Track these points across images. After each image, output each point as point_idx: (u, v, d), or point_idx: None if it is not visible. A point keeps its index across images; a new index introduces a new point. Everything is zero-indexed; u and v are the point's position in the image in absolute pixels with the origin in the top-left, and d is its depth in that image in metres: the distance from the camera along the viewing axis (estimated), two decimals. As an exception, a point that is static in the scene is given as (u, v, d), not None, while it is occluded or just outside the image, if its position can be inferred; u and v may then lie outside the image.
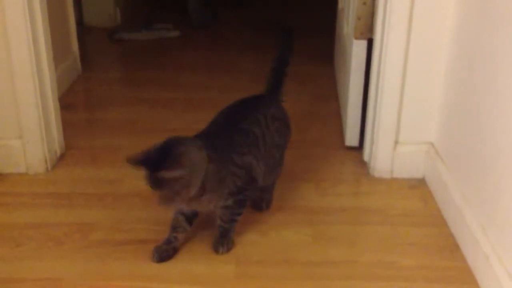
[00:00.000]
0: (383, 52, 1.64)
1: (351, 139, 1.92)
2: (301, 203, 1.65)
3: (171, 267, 1.38)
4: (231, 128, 1.45)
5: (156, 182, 1.26)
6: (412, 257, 1.42)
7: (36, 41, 1.67)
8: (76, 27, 2.57)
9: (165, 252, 1.41)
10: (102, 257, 1.42)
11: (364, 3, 1.73)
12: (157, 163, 1.26)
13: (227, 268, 1.38)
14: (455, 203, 1.49)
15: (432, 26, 1.60)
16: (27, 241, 1.47)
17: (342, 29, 2.21)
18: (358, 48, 1.80)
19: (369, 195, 1.72)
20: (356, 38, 1.78)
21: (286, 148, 1.60)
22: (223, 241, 1.44)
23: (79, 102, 2.41)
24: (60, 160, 1.85)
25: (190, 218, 1.43)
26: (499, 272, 1.23)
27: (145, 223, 1.55)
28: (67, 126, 1.92)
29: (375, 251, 1.45)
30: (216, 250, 1.44)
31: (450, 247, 1.46)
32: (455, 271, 1.38)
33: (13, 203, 1.64)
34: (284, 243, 1.48)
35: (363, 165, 1.83)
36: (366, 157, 1.82)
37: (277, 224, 1.55)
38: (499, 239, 1.27)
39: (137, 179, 1.74)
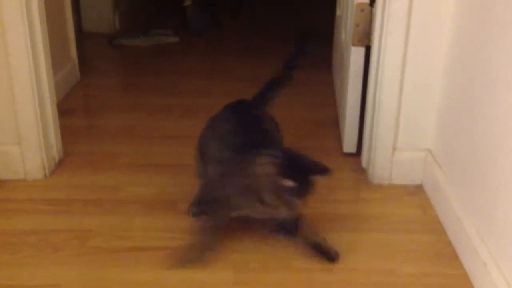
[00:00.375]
0: (381, 59, 1.64)
1: (349, 145, 1.92)
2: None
3: (169, 274, 1.38)
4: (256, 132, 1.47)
5: (307, 188, 1.29)
6: (410, 265, 1.42)
7: (34, 47, 1.67)
8: (75, 33, 2.57)
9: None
10: (101, 263, 1.41)
11: (362, 10, 1.74)
12: (303, 171, 1.29)
13: (225, 274, 1.38)
14: (453, 210, 1.50)
15: (429, 33, 1.60)
16: (25, 247, 1.47)
17: (340, 35, 2.22)
18: (356, 55, 1.81)
19: (367, 202, 1.72)
20: (354, 45, 1.79)
21: None
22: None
23: (77, 108, 2.41)
24: (59, 166, 1.85)
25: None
26: (497, 280, 1.23)
27: (144, 230, 1.55)
28: (66, 132, 1.92)
29: (373, 258, 1.45)
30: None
31: (449, 255, 1.46)
32: (454, 279, 1.38)
33: (12, 209, 1.64)
34: (282, 249, 1.47)
35: (362, 171, 1.83)
36: (364, 163, 1.82)
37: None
38: (497, 246, 1.27)
39: (136, 185, 1.76)
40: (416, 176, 1.75)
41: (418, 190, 1.74)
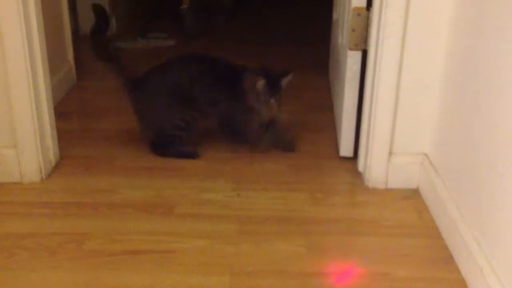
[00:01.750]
0: (377, 63, 1.65)
1: (345, 149, 1.93)
2: (296, 213, 1.65)
3: (164, 278, 1.38)
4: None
5: (277, 89, 1.85)
6: (406, 269, 1.42)
7: (31, 49, 1.67)
8: (71, 36, 2.57)
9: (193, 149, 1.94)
10: (96, 267, 1.41)
11: (359, 15, 1.74)
12: (273, 74, 1.85)
13: (221, 279, 1.38)
14: (449, 214, 1.50)
15: (426, 38, 1.61)
16: (20, 251, 1.47)
17: (337, 40, 2.23)
18: (352, 59, 1.81)
19: (363, 206, 1.72)
20: (351, 49, 1.79)
21: None
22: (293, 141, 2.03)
23: (74, 111, 2.40)
24: (55, 169, 1.85)
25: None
26: (493, 284, 1.23)
27: (140, 233, 1.55)
28: (62, 136, 1.91)
29: (369, 262, 1.45)
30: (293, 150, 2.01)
31: (445, 259, 1.46)
32: (450, 283, 1.38)
33: (7, 212, 1.63)
34: (278, 254, 1.47)
35: (358, 175, 1.83)
36: (360, 167, 1.82)
37: (271, 234, 1.55)
38: (493, 251, 1.27)
39: (132, 189, 1.75)
40: (413, 180, 1.76)
41: (414, 194, 1.74)
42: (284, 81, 1.86)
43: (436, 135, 1.68)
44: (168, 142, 1.90)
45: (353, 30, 1.76)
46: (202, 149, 1.97)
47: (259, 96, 1.83)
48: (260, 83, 1.80)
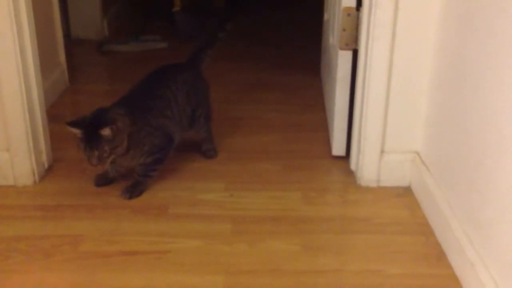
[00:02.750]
0: (368, 62, 1.66)
1: (338, 148, 1.94)
2: (289, 212, 1.66)
3: (160, 278, 1.39)
4: (146, 94, 1.74)
5: (95, 141, 1.55)
6: (399, 265, 1.44)
7: (23, 53, 1.67)
8: (63, 39, 2.57)
9: (103, 180, 1.76)
10: (91, 268, 1.42)
11: (349, 15, 1.76)
12: (94, 124, 1.55)
13: (216, 278, 1.39)
14: (441, 211, 1.51)
15: (415, 38, 1.62)
16: (15, 253, 1.47)
17: (328, 40, 2.24)
18: (343, 59, 1.82)
19: (356, 204, 1.74)
20: (341, 49, 1.81)
21: (206, 105, 1.91)
22: (130, 189, 1.70)
23: (67, 114, 2.40)
24: (48, 172, 1.85)
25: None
26: (484, 279, 1.25)
27: (134, 234, 1.55)
28: (55, 138, 1.91)
29: (362, 259, 1.46)
30: (121, 195, 1.70)
31: (437, 255, 1.47)
32: (442, 279, 1.39)
33: (1, 215, 1.63)
34: (272, 253, 1.48)
35: (350, 174, 1.85)
36: (353, 166, 1.84)
37: (265, 234, 1.56)
38: (484, 246, 1.29)
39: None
40: (404, 178, 1.77)
41: (406, 192, 1.76)
42: (105, 132, 1.55)
43: (427, 133, 1.69)
44: None
45: (344, 30, 1.78)
46: (195, 152, 1.98)
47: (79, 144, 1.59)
48: (77, 133, 1.58)
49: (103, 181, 1.76)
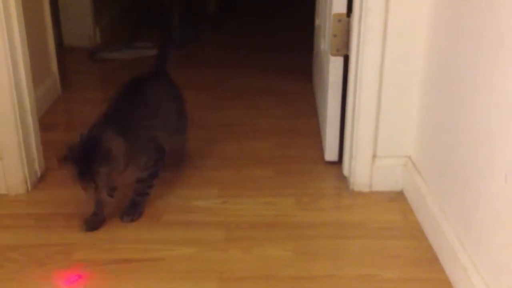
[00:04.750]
0: (359, 67, 1.67)
1: (330, 154, 1.95)
2: (283, 218, 1.66)
3: (154, 285, 1.39)
4: (130, 105, 1.64)
5: (91, 176, 1.43)
6: (392, 270, 1.44)
7: (15, 61, 1.67)
8: (55, 48, 2.57)
9: (95, 223, 1.59)
10: (85, 277, 1.41)
11: (339, 21, 1.77)
12: (89, 158, 1.43)
13: (210, 285, 1.39)
14: (433, 215, 1.52)
15: (405, 43, 1.64)
16: (8, 263, 1.46)
17: (319, 45, 2.25)
18: (334, 65, 1.83)
19: (349, 209, 1.74)
20: (333, 54, 1.82)
21: (185, 113, 1.85)
22: (130, 212, 1.63)
23: (59, 122, 2.40)
24: (41, 180, 1.84)
25: (111, 191, 1.62)
26: (477, 283, 1.25)
27: (127, 242, 1.55)
28: (48, 147, 1.91)
29: (356, 264, 1.47)
30: (121, 218, 1.62)
31: (430, 259, 1.48)
32: (435, 283, 1.40)
33: (-6, 225, 1.63)
34: (266, 258, 1.49)
35: (343, 179, 1.85)
36: (345, 171, 1.84)
37: (259, 240, 1.56)
38: (476, 250, 1.30)
39: (118, 198, 1.75)
40: (397, 183, 1.78)
41: (398, 196, 1.76)
42: (101, 168, 1.45)
43: (419, 138, 1.70)
44: None
45: (335, 36, 1.79)
46: (187, 158, 1.98)
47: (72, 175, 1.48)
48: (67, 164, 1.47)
49: (93, 224, 1.60)
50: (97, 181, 1.45)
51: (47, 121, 2.26)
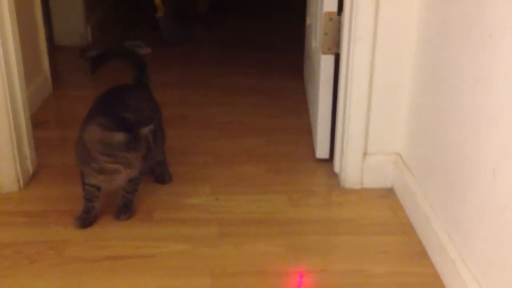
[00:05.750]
0: (350, 66, 1.68)
1: (321, 151, 1.96)
2: (274, 215, 1.68)
3: (147, 282, 1.40)
4: (116, 108, 1.57)
5: (137, 142, 1.43)
6: (382, 265, 1.46)
7: (7, 60, 1.67)
8: (46, 46, 2.57)
9: (87, 220, 1.60)
10: (78, 274, 1.42)
11: (330, 19, 1.78)
12: (132, 125, 1.43)
13: (202, 281, 1.40)
14: (423, 211, 1.54)
15: (396, 41, 1.65)
16: (1, 260, 1.47)
17: (311, 44, 2.27)
18: (326, 63, 1.85)
19: (340, 206, 1.76)
20: (324, 53, 1.83)
21: (161, 126, 1.75)
22: (125, 210, 1.64)
23: (51, 120, 2.40)
24: (33, 178, 1.85)
25: (99, 188, 1.59)
26: (465, 276, 1.27)
27: (120, 239, 1.56)
28: (40, 145, 1.91)
29: (347, 260, 1.48)
30: (117, 217, 1.63)
31: (419, 254, 1.50)
32: (424, 277, 1.42)
33: (-14, 222, 1.63)
34: (258, 254, 1.50)
35: (334, 176, 1.87)
36: (336, 168, 1.86)
37: (251, 236, 1.57)
38: (465, 245, 1.32)
39: (110, 195, 1.76)
40: (387, 180, 1.80)
41: (389, 193, 1.78)
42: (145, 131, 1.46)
43: (409, 135, 1.72)
44: None
45: (326, 34, 1.80)
46: (179, 156, 1.99)
47: (110, 153, 1.46)
48: (116, 137, 1.43)
49: (87, 221, 1.60)
50: (138, 148, 1.44)
51: (39, 118, 2.26)
